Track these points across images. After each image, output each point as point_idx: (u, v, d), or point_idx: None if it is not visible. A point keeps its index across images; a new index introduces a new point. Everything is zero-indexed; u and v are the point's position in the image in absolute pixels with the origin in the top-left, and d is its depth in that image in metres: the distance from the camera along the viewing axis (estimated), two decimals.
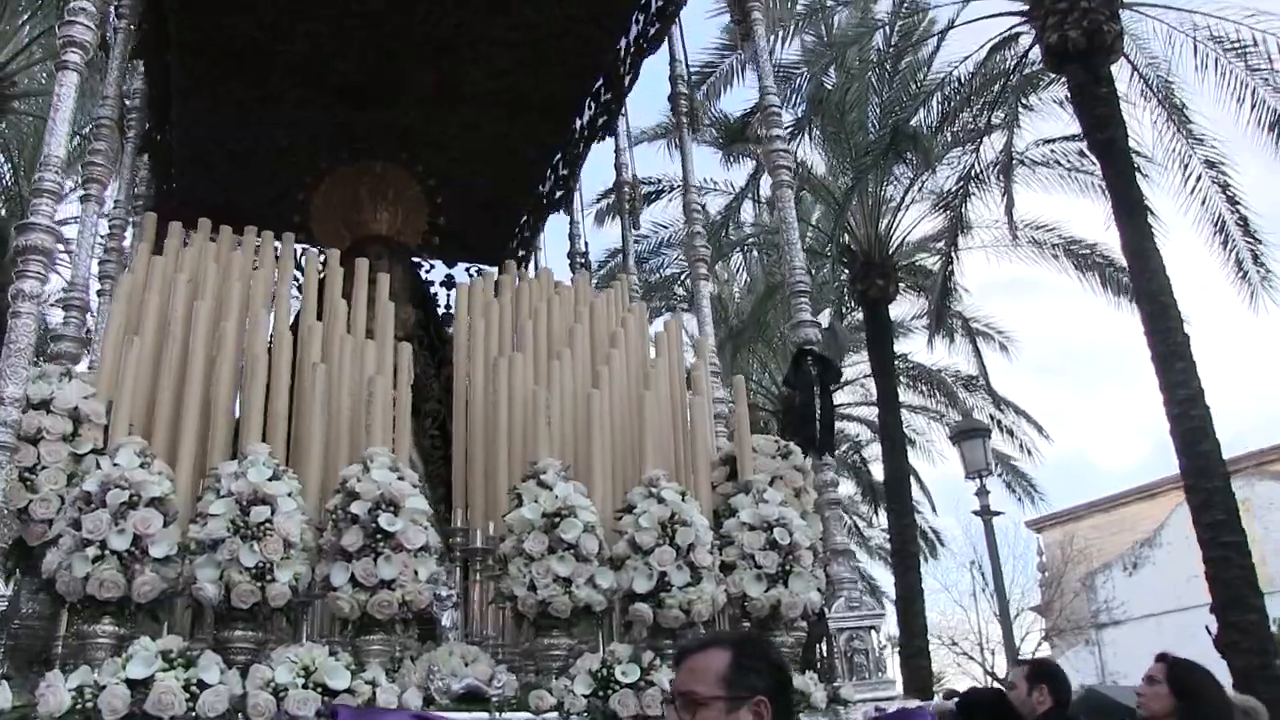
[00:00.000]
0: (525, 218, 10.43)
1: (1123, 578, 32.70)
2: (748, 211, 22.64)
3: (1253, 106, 16.22)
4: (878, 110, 19.35)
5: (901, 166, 20.30)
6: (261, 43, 7.82)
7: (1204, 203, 17.22)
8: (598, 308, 6.19)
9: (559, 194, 9.91)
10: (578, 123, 9.12)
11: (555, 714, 4.16)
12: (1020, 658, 18.44)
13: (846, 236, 21.49)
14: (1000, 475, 26.62)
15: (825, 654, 5.04)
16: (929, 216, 21.53)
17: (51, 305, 9.12)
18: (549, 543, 4.34)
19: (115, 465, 4.01)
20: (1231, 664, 11.46)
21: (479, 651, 4.41)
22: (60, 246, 4.49)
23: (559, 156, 9.64)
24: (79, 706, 3.53)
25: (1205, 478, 12.42)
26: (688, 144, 7.43)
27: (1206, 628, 12.02)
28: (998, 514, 16.71)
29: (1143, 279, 13.38)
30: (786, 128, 6.81)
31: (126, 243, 6.47)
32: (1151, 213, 14.88)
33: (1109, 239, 18.04)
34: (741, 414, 5.49)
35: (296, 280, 6.60)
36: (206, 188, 8.80)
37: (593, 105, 8.91)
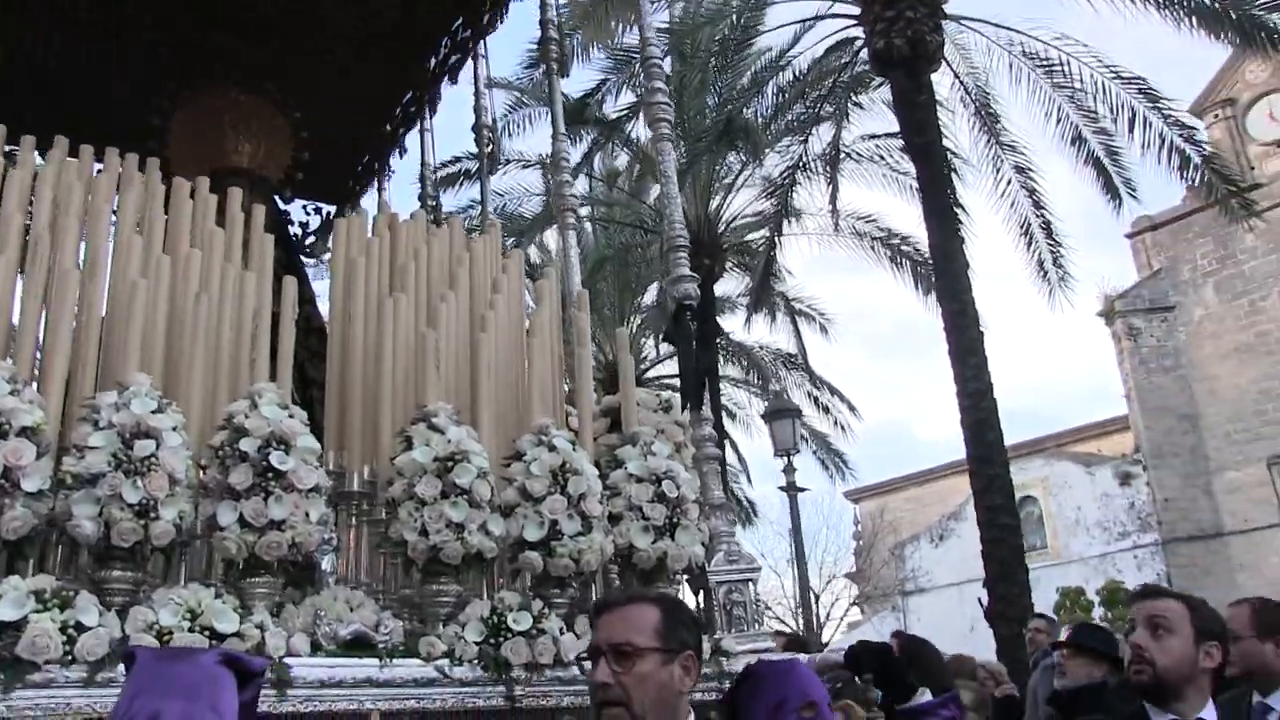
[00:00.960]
0: (367, 157, 10.13)
1: (929, 548, 34.27)
2: (581, 186, 22.55)
3: (1058, 120, 17.60)
4: (715, 98, 19.91)
5: (734, 154, 21.07)
6: None
7: (1013, 205, 18.53)
8: (477, 252, 6.06)
9: (404, 132, 9.67)
10: (433, 60, 8.89)
11: (446, 661, 4.09)
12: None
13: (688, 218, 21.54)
14: (814, 451, 27.63)
15: (704, 606, 5.07)
16: (759, 200, 22.20)
17: None
18: (442, 487, 4.25)
19: None
20: (997, 632, 12.75)
21: (364, 597, 4.29)
22: None
23: (410, 95, 9.38)
24: None
25: (988, 465, 13.42)
26: (556, 89, 7.33)
27: (979, 600, 13.45)
28: (803, 490, 18.04)
29: (946, 278, 14.28)
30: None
31: None
32: (964, 211, 16.95)
33: (923, 235, 18.83)
34: (625, 364, 5.47)
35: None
36: (50, 114, 8.26)
37: (449, 43, 8.69)
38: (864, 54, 16.87)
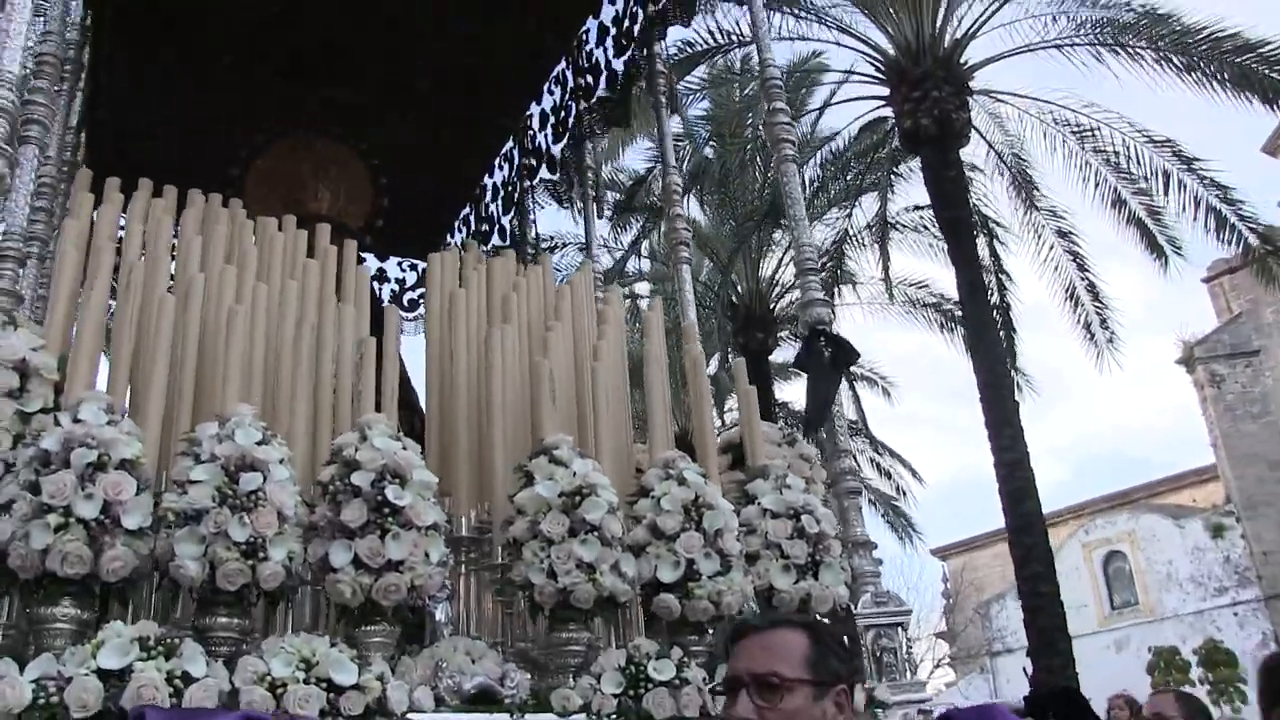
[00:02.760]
0: (467, 210, 9.86)
1: (1015, 607, 32.97)
2: (631, 266, 22.77)
3: (1095, 184, 17.68)
4: (759, 178, 20.04)
5: (780, 231, 21.05)
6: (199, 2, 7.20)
7: (1056, 269, 18.70)
8: (576, 286, 5.72)
9: (512, 187, 9.37)
10: (535, 108, 8.63)
11: (582, 716, 3.67)
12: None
13: (730, 292, 22.19)
14: (883, 515, 27.20)
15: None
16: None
17: None
18: (570, 524, 3.86)
19: (78, 421, 3.42)
20: None
21: (485, 647, 3.90)
22: (9, 172, 3.88)
23: (512, 145, 9.12)
24: (41, 701, 2.95)
25: (1026, 534, 13.30)
26: (665, 123, 7.03)
27: (1024, 669, 12.94)
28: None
29: (981, 350, 14.29)
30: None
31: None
32: (1008, 278, 18.23)
33: None
34: (748, 396, 5.08)
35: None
36: (135, 160, 8.07)
37: (556, 90, 8.42)
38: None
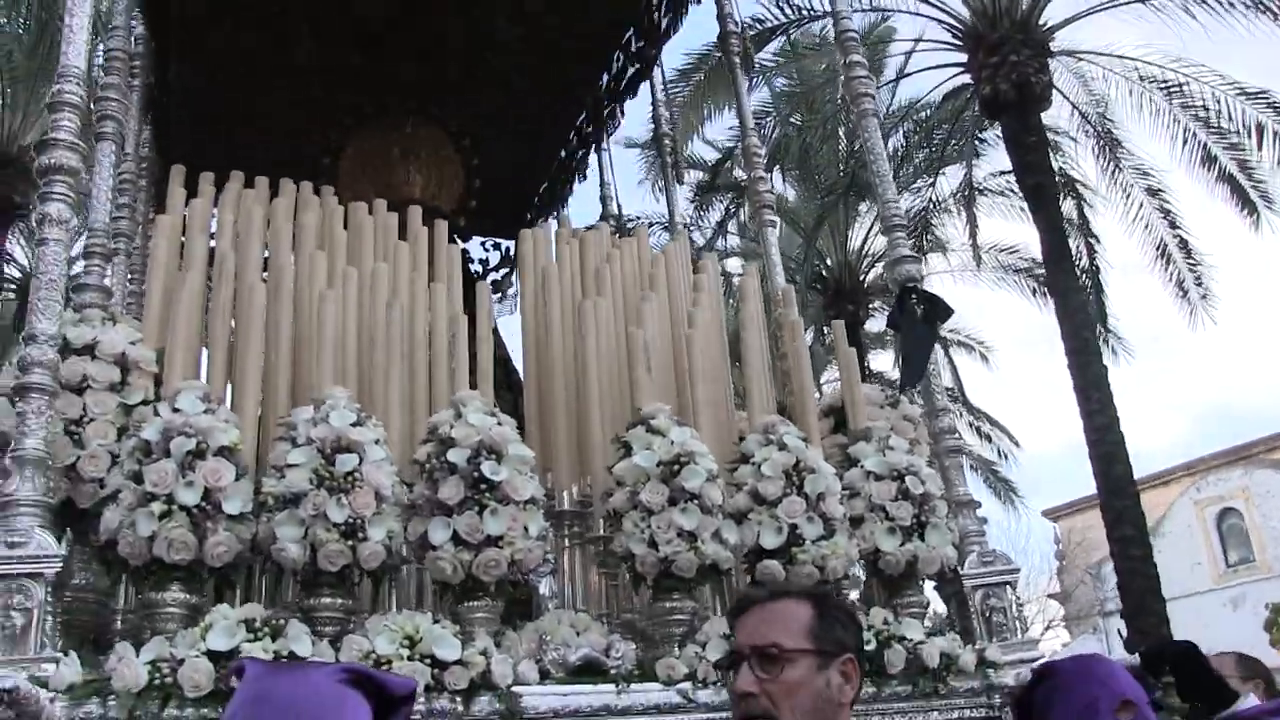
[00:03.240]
0: (545, 185, 9.81)
1: None
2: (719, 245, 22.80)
3: (1184, 141, 17.22)
4: (841, 151, 19.96)
5: (865, 204, 21.01)
6: None
7: (1147, 228, 18.36)
8: (670, 256, 5.66)
9: (582, 155, 9.32)
10: (605, 78, 8.55)
11: (689, 684, 3.63)
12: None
13: (820, 265, 22.22)
14: (985, 480, 26.90)
15: (958, 614, 4.52)
16: None
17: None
18: (669, 493, 3.81)
19: (177, 411, 3.47)
20: None
21: (589, 619, 3.88)
22: (83, 169, 3.93)
23: (583, 116, 9.04)
24: (156, 681, 3.00)
25: (1118, 497, 13.24)
26: (741, 85, 6.90)
27: (1119, 631, 13.30)
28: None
29: (1067, 317, 14.06)
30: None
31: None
32: (1097, 241, 18.00)
33: None
34: (848, 358, 4.98)
35: None
36: (212, 151, 8.17)
37: (621, 57, 8.33)
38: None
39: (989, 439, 27.32)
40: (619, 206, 9.09)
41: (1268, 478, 30.22)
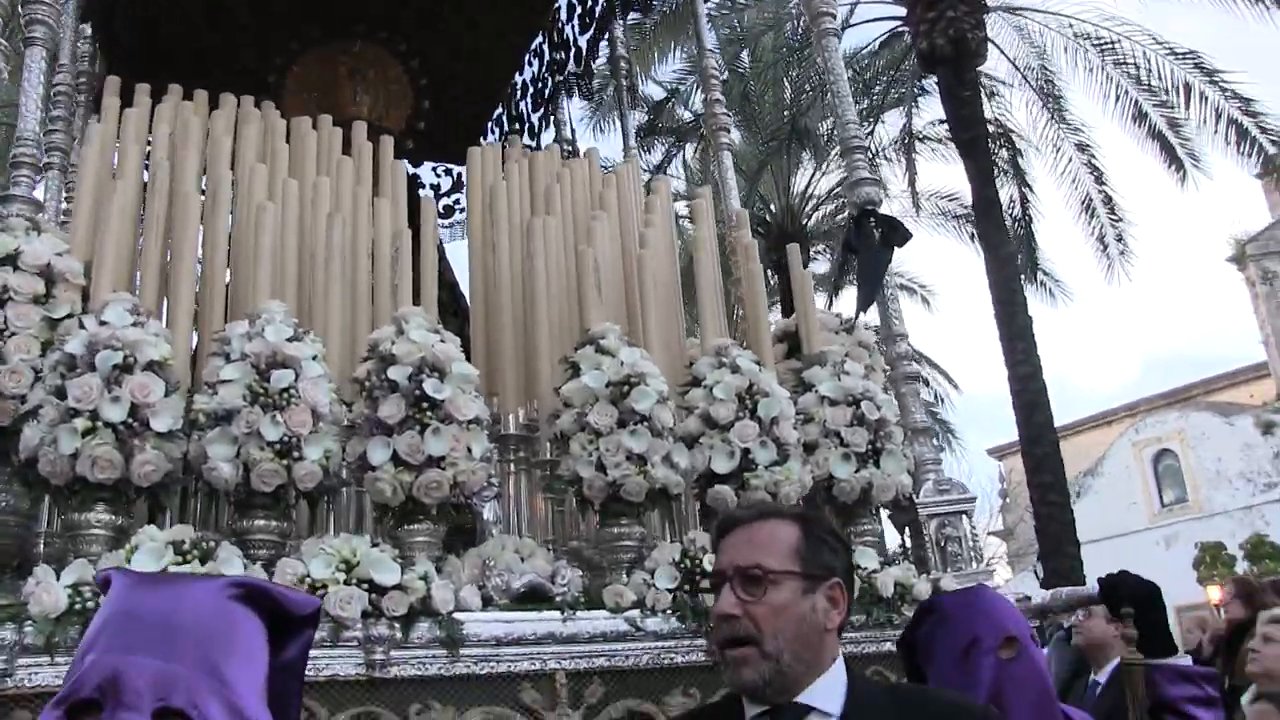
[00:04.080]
0: (500, 111, 9.56)
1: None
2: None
3: (1116, 99, 18.05)
4: (783, 97, 20.74)
5: (808, 151, 21.90)
6: None
7: (1074, 182, 19.35)
8: (621, 178, 5.50)
9: (542, 83, 9.07)
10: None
11: (637, 612, 3.54)
12: None
13: (764, 210, 22.66)
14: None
15: (913, 544, 4.46)
16: (839, 189, 22.66)
17: None
18: (618, 415, 3.69)
19: (104, 324, 3.30)
20: None
21: (534, 545, 3.77)
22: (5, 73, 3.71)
23: (542, 40, 8.79)
24: (77, 606, 2.86)
25: (1038, 445, 13.76)
26: (700, 6, 6.72)
27: (1034, 571, 14.40)
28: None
29: (995, 269, 14.49)
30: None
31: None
32: (1030, 190, 19.03)
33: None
34: (803, 281, 4.87)
35: None
36: (157, 72, 7.88)
37: None
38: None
39: (927, 382, 27.70)
40: (573, 132, 8.87)
41: (1203, 420, 30.91)
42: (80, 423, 3.09)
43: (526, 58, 8.93)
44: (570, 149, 8.67)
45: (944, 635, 2.61)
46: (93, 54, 7.23)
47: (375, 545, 3.29)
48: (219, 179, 4.18)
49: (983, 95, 17.06)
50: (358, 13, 7.68)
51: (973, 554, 4.37)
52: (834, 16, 5.51)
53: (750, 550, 2.00)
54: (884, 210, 5.12)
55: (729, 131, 6.31)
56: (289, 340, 3.40)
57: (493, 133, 9.48)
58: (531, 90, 9.10)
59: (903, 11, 16.52)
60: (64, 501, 3.22)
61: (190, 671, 1.53)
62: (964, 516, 4.44)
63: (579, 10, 8.23)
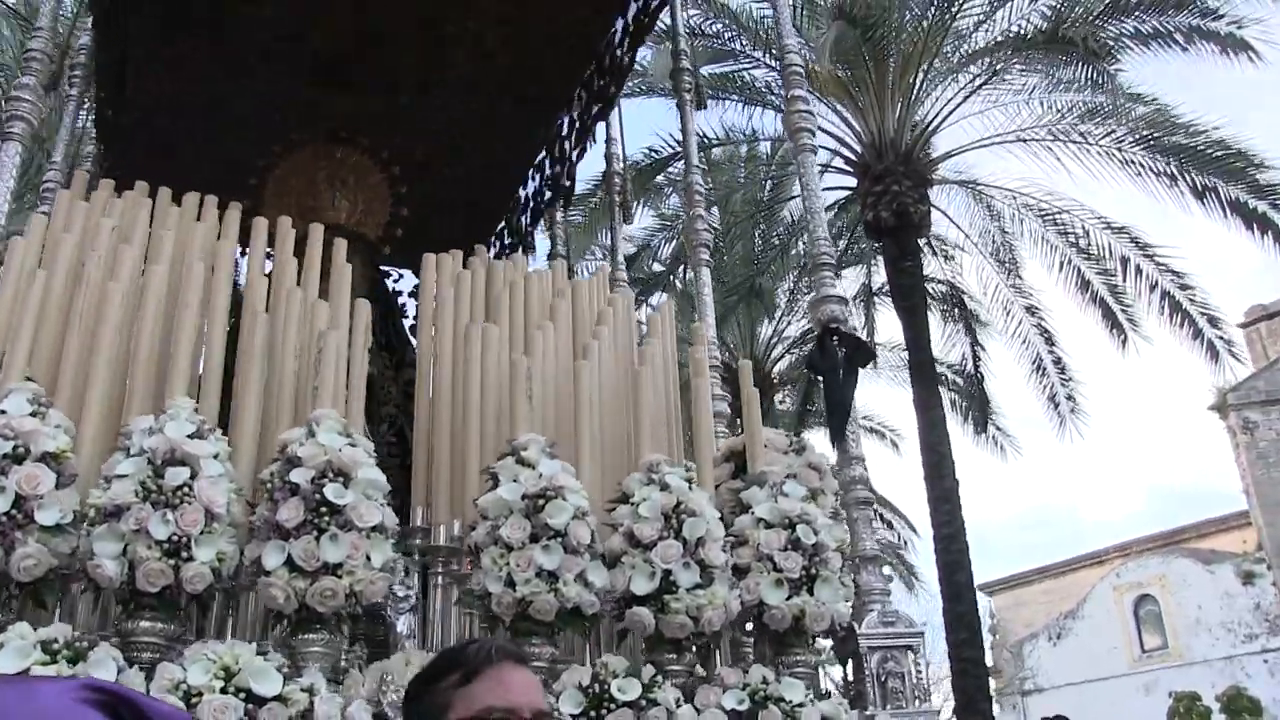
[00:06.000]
0: (504, 224, 9.61)
1: (1048, 647, 33.14)
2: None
3: (1061, 266, 18.89)
4: (754, 248, 21.51)
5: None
6: (229, 6, 7.06)
7: (1024, 342, 20.14)
8: (580, 289, 5.46)
9: (546, 196, 9.11)
10: (565, 118, 8.38)
11: None
12: None
13: (729, 358, 22.46)
14: (890, 563, 27.19)
15: (851, 677, 4.27)
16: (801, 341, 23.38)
17: None
18: (531, 529, 3.57)
19: (1, 413, 3.22)
20: None
21: None
22: None
23: (543, 155, 8.86)
24: None
25: (958, 602, 14.33)
26: (689, 121, 6.76)
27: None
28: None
29: (925, 429, 15.07)
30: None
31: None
32: (983, 349, 19.95)
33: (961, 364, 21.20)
34: (751, 400, 4.77)
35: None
36: (152, 167, 7.97)
37: (584, 95, 8.16)
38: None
39: (890, 525, 27.84)
40: (568, 248, 8.89)
41: (1185, 567, 30.71)
42: None
43: (530, 173, 9.04)
44: (565, 258, 8.70)
45: None
46: (97, 155, 7.35)
47: (263, 654, 3.16)
48: (152, 277, 4.12)
49: (938, 257, 19.38)
50: (342, 119, 7.75)
51: (915, 693, 4.17)
52: (812, 133, 5.58)
53: (537, 693, 1.88)
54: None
55: (709, 248, 6.31)
56: (190, 436, 3.30)
57: (494, 245, 9.55)
58: (532, 205, 9.18)
59: (853, 182, 17.27)
60: None
61: None
62: (909, 651, 4.26)
63: (577, 128, 8.33)
